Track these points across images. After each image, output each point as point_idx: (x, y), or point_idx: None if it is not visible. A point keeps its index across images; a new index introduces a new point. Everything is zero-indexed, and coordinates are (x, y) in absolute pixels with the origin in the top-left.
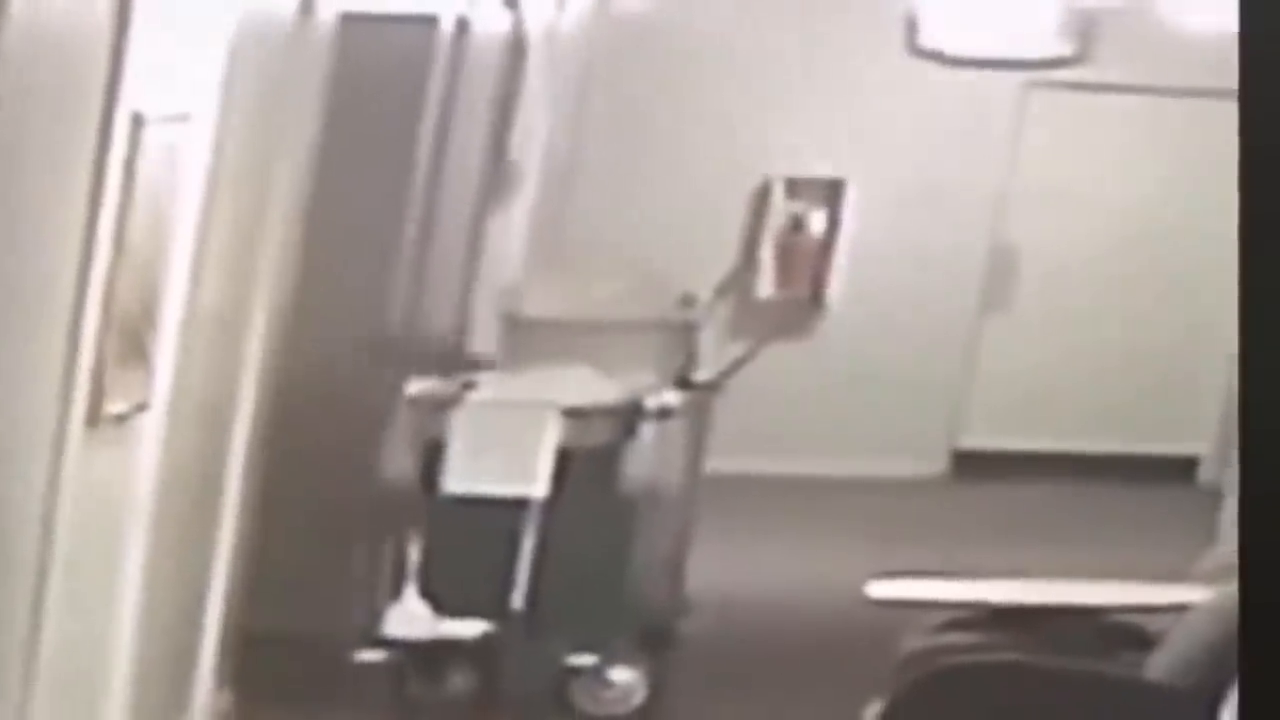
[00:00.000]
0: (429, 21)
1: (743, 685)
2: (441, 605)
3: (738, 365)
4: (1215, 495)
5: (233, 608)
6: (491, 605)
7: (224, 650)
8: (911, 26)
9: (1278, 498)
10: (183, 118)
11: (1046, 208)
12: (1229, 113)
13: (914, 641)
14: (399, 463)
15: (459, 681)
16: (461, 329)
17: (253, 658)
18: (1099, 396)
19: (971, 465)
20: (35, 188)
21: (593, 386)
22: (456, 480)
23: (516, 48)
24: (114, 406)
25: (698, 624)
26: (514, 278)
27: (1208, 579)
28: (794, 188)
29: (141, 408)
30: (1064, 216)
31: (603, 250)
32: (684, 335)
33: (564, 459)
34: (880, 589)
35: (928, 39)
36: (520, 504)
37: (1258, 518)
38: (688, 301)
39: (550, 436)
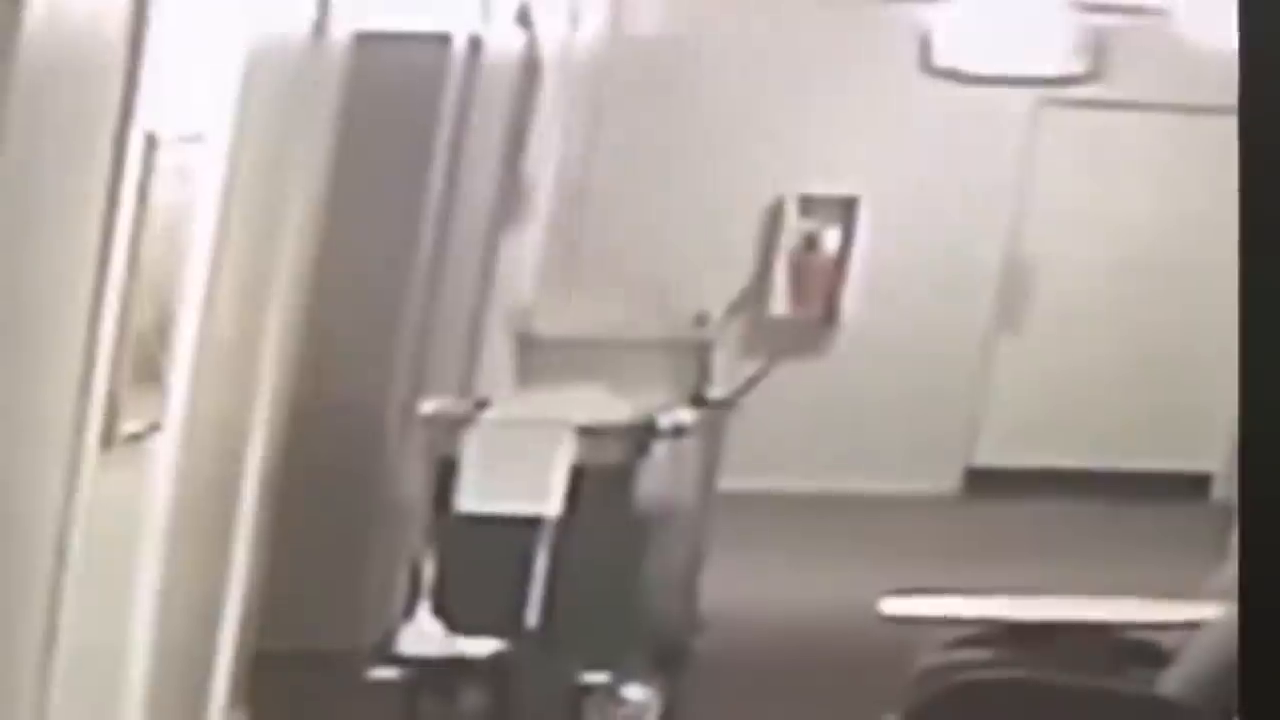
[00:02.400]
0: (442, 40)
1: (756, 703)
2: (455, 623)
3: (751, 384)
4: (1228, 512)
5: (246, 626)
6: (505, 623)
7: (238, 669)
8: (925, 45)
9: (1277, 504)
10: (196, 138)
11: (1060, 225)
12: None
13: (928, 658)
14: (412, 481)
15: (472, 700)
16: (475, 348)
17: (266, 676)
18: (1112, 414)
19: (985, 483)
20: (49, 208)
21: (606, 405)
22: (470, 499)
23: (530, 67)
24: (128, 426)
25: (711, 642)
26: (527, 297)
27: (1220, 596)
28: (807, 206)
29: (155, 428)
30: (1078, 234)
31: (616, 269)
32: (697, 354)
33: (578, 477)
34: (894, 606)
35: (941, 57)
36: (534, 522)
37: (1257, 526)
38: (701, 320)
39: (564, 455)
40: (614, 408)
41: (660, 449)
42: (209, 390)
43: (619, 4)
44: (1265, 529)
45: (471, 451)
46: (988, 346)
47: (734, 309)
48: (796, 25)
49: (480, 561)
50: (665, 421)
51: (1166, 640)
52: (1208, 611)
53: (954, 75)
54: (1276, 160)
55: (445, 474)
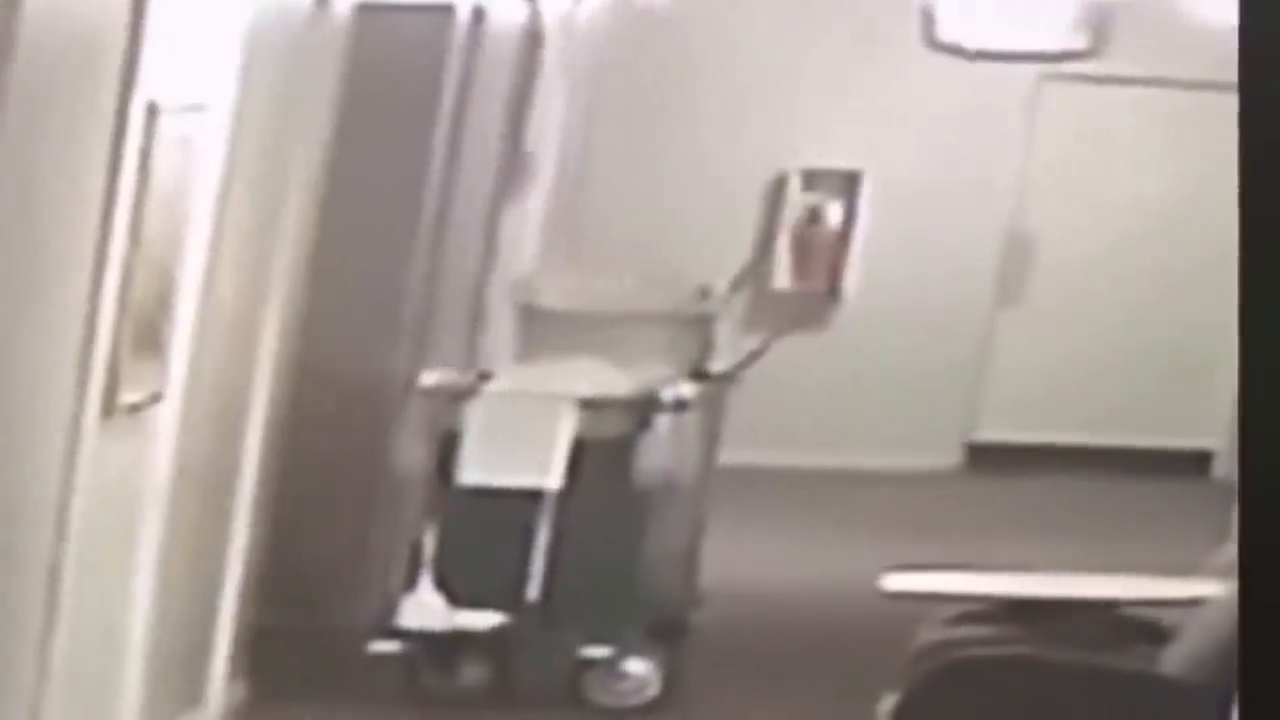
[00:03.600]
0: (445, 11)
1: (756, 677)
2: (456, 597)
3: (753, 357)
4: (1229, 490)
5: (247, 599)
6: (506, 597)
7: (238, 642)
8: (928, 19)
9: (1276, 484)
10: (198, 108)
11: (1062, 201)
12: None
13: (928, 634)
14: (413, 454)
15: (473, 673)
16: (476, 321)
17: (267, 649)
18: (1113, 390)
19: (986, 458)
20: (51, 178)
21: (608, 378)
22: (471, 471)
23: (533, 38)
24: (129, 397)
25: (711, 616)
26: (529, 269)
27: (1221, 573)
28: (810, 180)
29: (156, 398)
30: (1079, 210)
31: (618, 242)
32: (699, 327)
33: (579, 451)
34: (894, 582)
35: (944, 32)
36: (535, 495)
37: (1258, 516)
38: (703, 293)
39: (565, 428)
40: (615, 381)
41: (662, 422)
42: (210, 361)
43: None
44: (1265, 508)
45: (473, 424)
46: (989, 321)
47: (736, 283)
48: None
49: (481, 534)
50: (667, 395)
51: (1167, 617)
52: (1208, 589)
53: (957, 50)
54: (1276, 141)
55: (447, 446)
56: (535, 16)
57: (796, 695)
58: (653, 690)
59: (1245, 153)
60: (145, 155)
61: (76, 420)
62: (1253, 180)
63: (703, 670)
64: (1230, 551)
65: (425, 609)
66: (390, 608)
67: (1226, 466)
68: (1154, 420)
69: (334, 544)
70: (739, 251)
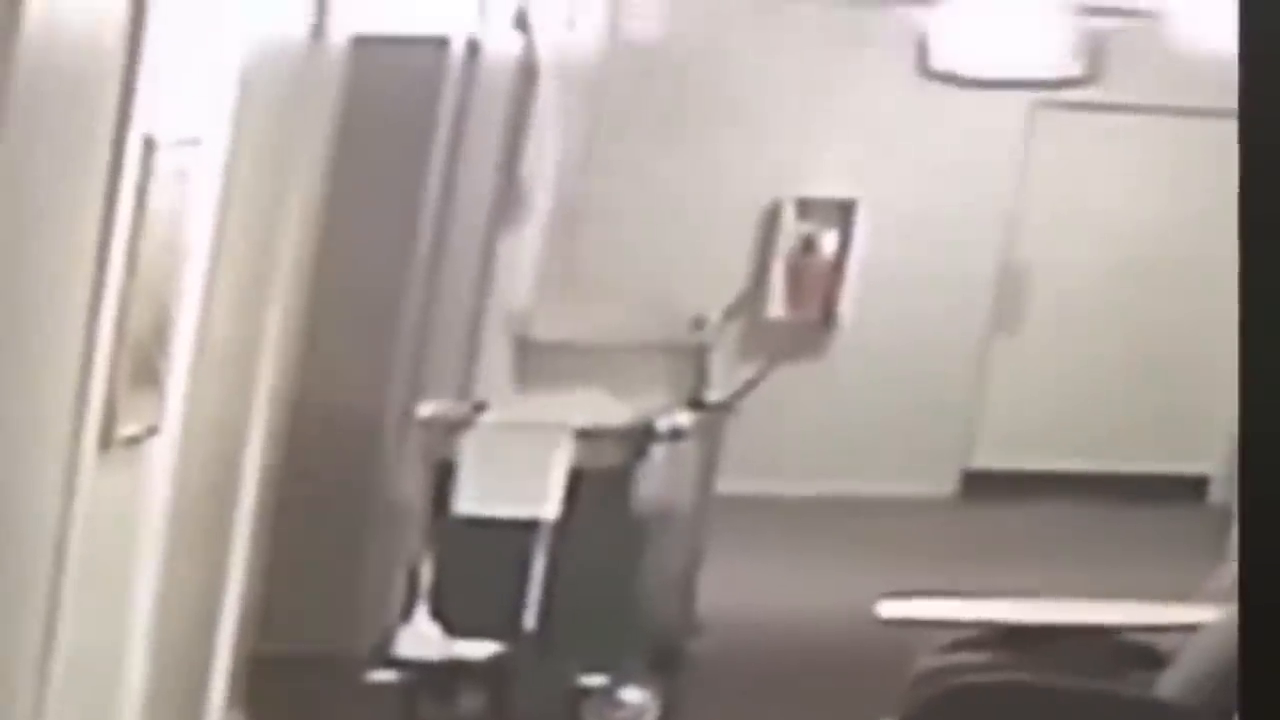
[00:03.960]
0: (440, 44)
1: (753, 705)
2: (453, 626)
3: (749, 387)
4: (1226, 515)
5: (244, 628)
6: (503, 626)
7: (236, 671)
8: (922, 48)
9: (1277, 506)
10: (194, 141)
11: (1056, 228)
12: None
13: (925, 661)
14: (410, 484)
15: (470, 702)
16: (472, 352)
17: (264, 679)
18: (1109, 417)
19: (982, 485)
20: (47, 211)
21: (604, 408)
22: (468, 501)
23: (528, 70)
24: (126, 429)
25: (708, 644)
26: (525, 301)
27: (1218, 598)
28: (805, 209)
29: (153, 430)
30: (1074, 237)
31: (614, 273)
32: (695, 357)
33: (575, 480)
34: (890, 609)
35: (938, 60)
36: (531, 525)
37: (1257, 527)
38: (698, 323)
39: (561, 458)
40: (612, 411)
41: (658, 452)
42: (207, 393)
43: (616, 8)
44: (1265, 529)
45: (469, 454)
46: (985, 349)
47: (731, 312)
48: (793, 29)
49: (478, 564)
50: (663, 424)
51: (1164, 642)
52: (1205, 614)
53: (951, 78)
54: (1276, 160)
55: (443, 477)
56: (530, 48)
57: None
58: (650, 718)
59: (1245, 168)
60: (141, 189)
61: (74, 453)
62: (1252, 194)
63: (700, 698)
64: (1227, 575)
65: (422, 638)
66: (387, 637)
67: (1223, 491)
68: (1150, 446)
69: (331, 574)
70: (734, 281)
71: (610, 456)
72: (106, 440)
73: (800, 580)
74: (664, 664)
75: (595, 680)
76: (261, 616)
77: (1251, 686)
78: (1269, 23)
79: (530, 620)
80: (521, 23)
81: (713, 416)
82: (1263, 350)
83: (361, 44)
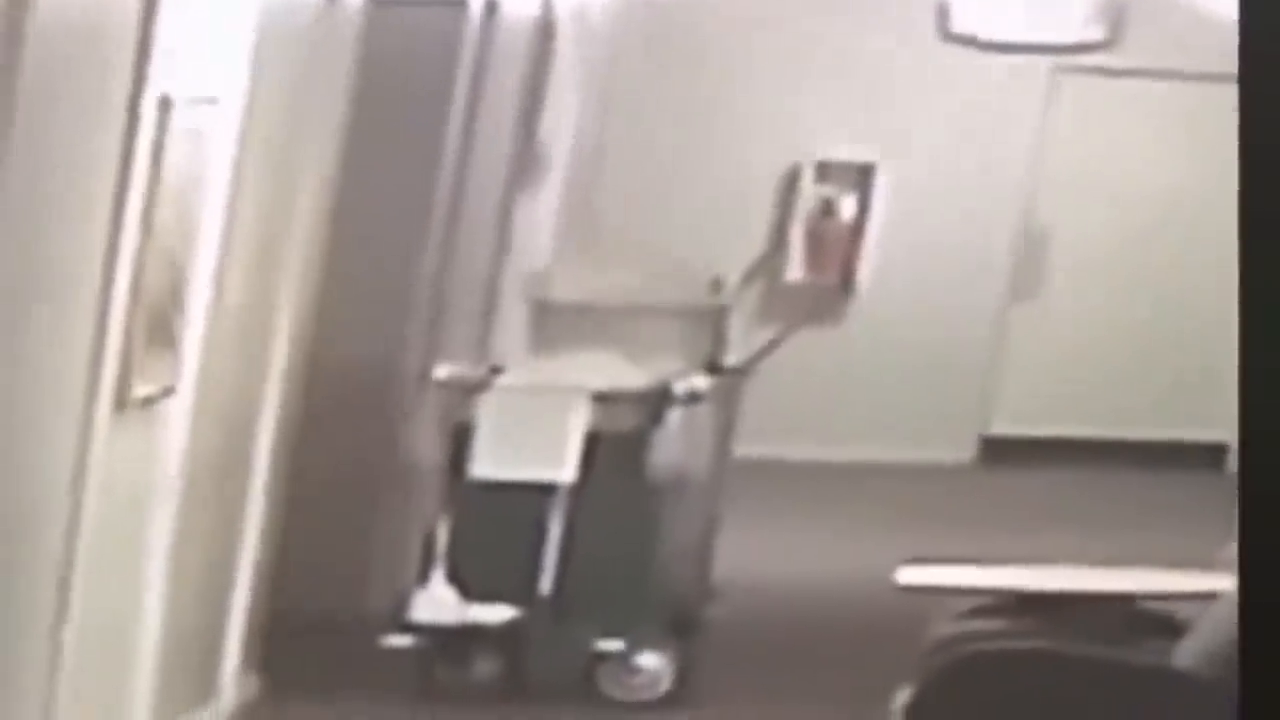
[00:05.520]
0: (457, 4)
1: (770, 671)
2: (468, 590)
3: (766, 350)
4: None
5: (259, 592)
6: (519, 591)
7: (251, 635)
8: (943, 11)
9: (1277, 503)
10: (210, 101)
11: (1076, 193)
12: None
13: (942, 628)
14: (427, 447)
15: (486, 667)
16: (490, 314)
17: (279, 642)
18: (1128, 383)
19: (1000, 452)
20: (63, 171)
21: (621, 371)
22: (484, 465)
23: (545, 31)
24: (141, 390)
25: (725, 610)
26: (543, 263)
27: (1234, 566)
28: (824, 172)
29: (169, 391)
30: (1093, 202)
31: (632, 235)
32: (713, 320)
33: (592, 444)
34: (908, 575)
35: (959, 24)
36: (548, 489)
37: (1257, 516)
38: (716, 286)
39: (578, 422)
40: (629, 374)
41: (675, 416)
42: (222, 354)
43: None
44: (1266, 517)
45: (486, 417)
46: (1003, 315)
47: (750, 275)
48: None
49: (494, 528)
50: (680, 388)
51: (1181, 611)
52: (1222, 582)
53: (971, 42)
54: (1276, 138)
55: (460, 440)
56: (548, 9)
57: (810, 689)
58: (666, 684)
59: (1245, 151)
60: (157, 148)
61: (89, 413)
62: (1253, 179)
63: (716, 664)
64: None
65: (438, 603)
66: (403, 602)
67: None
68: (1168, 413)
69: (346, 538)
70: (752, 245)
71: (627, 420)
72: (122, 401)
73: (817, 546)
74: (680, 630)
75: (611, 645)
76: (276, 580)
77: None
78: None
79: (546, 585)
80: None
81: (730, 380)
82: (1263, 348)
83: (378, 4)
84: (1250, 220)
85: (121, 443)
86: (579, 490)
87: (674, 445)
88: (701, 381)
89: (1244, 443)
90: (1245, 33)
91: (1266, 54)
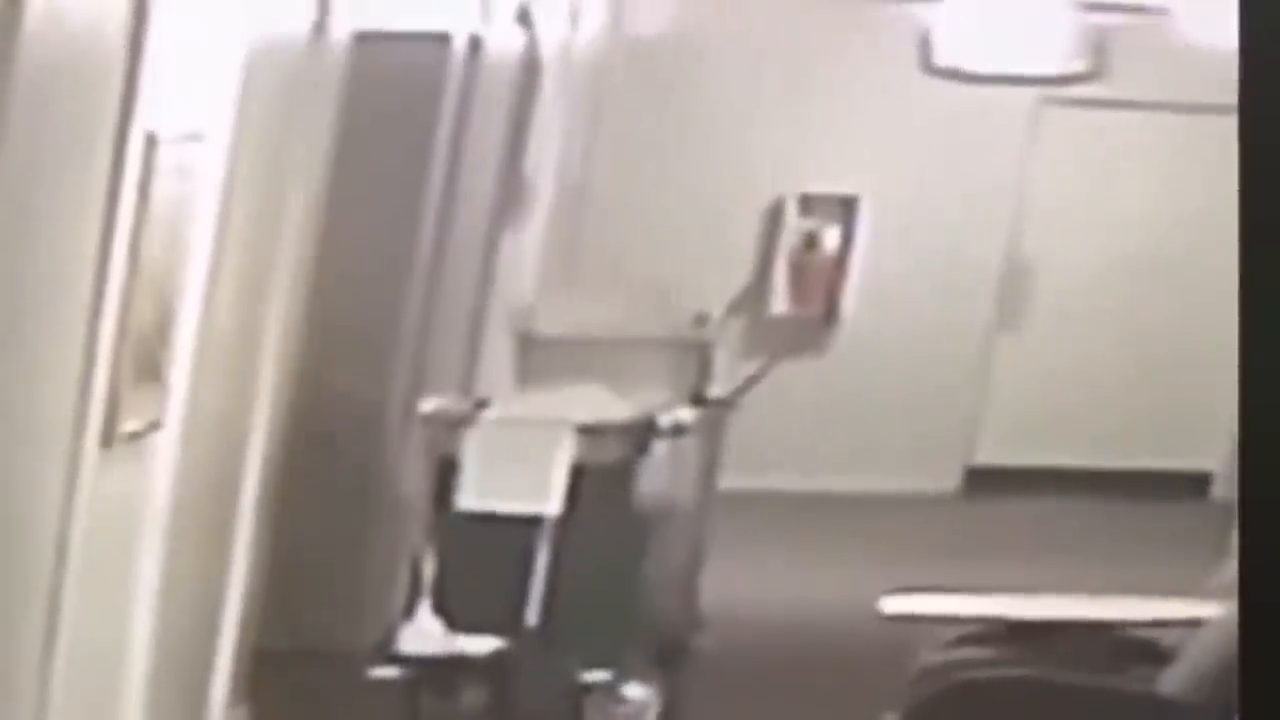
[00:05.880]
0: (442, 40)
1: (756, 702)
2: (455, 622)
3: (751, 382)
4: (1228, 511)
5: (247, 624)
6: (505, 622)
7: (238, 666)
8: (925, 44)
9: (1277, 503)
10: (196, 137)
11: (1060, 225)
12: None
13: (928, 657)
14: (412, 480)
15: (472, 698)
16: (475, 347)
17: (267, 674)
18: (1112, 413)
19: (985, 481)
20: (50, 206)
21: (606, 404)
22: (470, 497)
23: (530, 66)
24: (129, 425)
25: (711, 640)
26: (528, 296)
27: (1220, 594)
28: (807, 205)
29: (156, 426)
30: (1078, 233)
31: (616, 268)
32: (697, 353)
33: (578, 476)
34: (894, 604)
35: (942, 56)
36: (534, 521)
37: (1257, 523)
38: (701, 319)
39: (564, 454)
40: (614, 407)
41: (660, 448)
42: (209, 388)
43: (619, 4)
44: (1265, 528)
45: (471, 450)
46: (988, 345)
47: (734, 308)
48: (796, 24)
49: (480, 560)
50: (665, 420)
51: (1166, 638)
52: (1207, 610)
53: (954, 74)
54: (1276, 160)
55: (445, 472)
56: (533, 45)
57: (797, 718)
58: (653, 715)
59: (1245, 168)
60: (144, 185)
61: (76, 448)
62: (1252, 194)
63: (703, 694)
64: (1229, 571)
65: (424, 634)
66: (389, 633)
67: (1225, 487)
68: (1152, 442)
69: (333, 569)
70: (737, 277)
71: (612, 452)
72: (109, 436)
73: (803, 576)
74: (667, 660)
75: (598, 676)
76: (264, 612)
77: (1252, 684)
78: (1269, 21)
79: (533, 616)
80: (524, 19)
81: (715, 412)
82: (1263, 350)
83: (364, 40)
84: (1250, 227)
85: (109, 478)
86: (565, 522)
87: (659, 477)
88: (686, 413)
89: (1244, 449)
90: (1245, 53)
91: (1266, 74)
